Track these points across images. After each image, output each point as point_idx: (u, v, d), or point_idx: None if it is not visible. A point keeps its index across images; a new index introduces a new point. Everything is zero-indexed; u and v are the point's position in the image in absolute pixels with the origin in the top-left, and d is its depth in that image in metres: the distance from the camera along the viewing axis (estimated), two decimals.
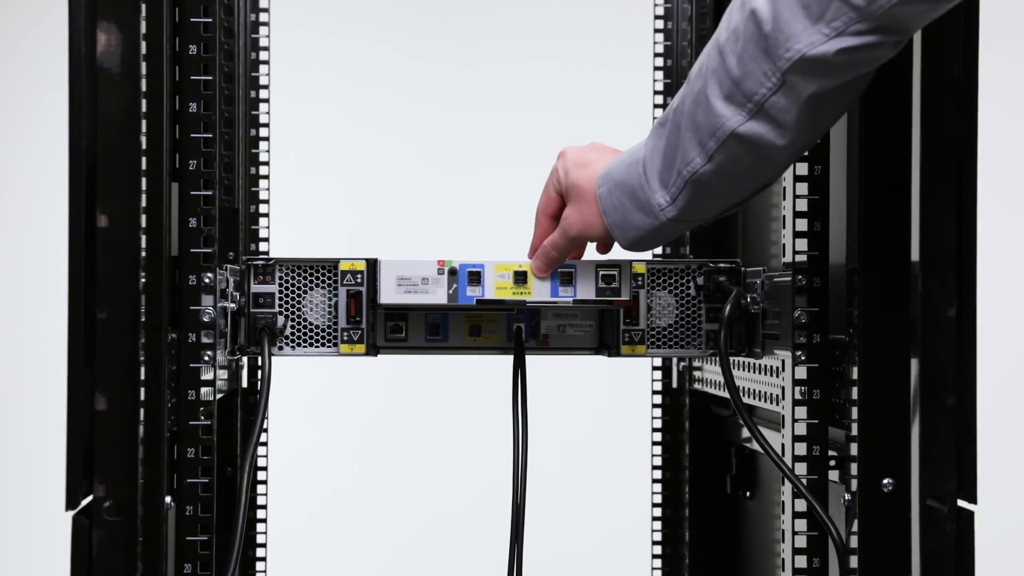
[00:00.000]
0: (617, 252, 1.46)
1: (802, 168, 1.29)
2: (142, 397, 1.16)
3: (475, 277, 1.34)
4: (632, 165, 1.20)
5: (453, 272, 1.34)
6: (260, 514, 1.65)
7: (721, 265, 1.43)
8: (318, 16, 3.24)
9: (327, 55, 3.24)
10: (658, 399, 1.78)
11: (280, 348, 1.40)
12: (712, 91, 1.09)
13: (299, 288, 1.41)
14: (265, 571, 1.67)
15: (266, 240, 1.66)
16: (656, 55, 1.78)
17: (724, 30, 1.09)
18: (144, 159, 1.16)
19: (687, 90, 1.13)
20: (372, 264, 1.41)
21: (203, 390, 1.25)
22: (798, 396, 1.29)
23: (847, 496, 1.23)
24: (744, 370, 1.51)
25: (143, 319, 1.16)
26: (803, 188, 1.29)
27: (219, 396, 1.34)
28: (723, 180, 1.13)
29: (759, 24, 1.04)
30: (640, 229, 1.20)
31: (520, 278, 1.34)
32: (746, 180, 1.14)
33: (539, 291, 1.34)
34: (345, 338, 1.40)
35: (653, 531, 1.78)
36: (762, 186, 1.16)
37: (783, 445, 1.32)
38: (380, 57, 3.26)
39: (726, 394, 1.53)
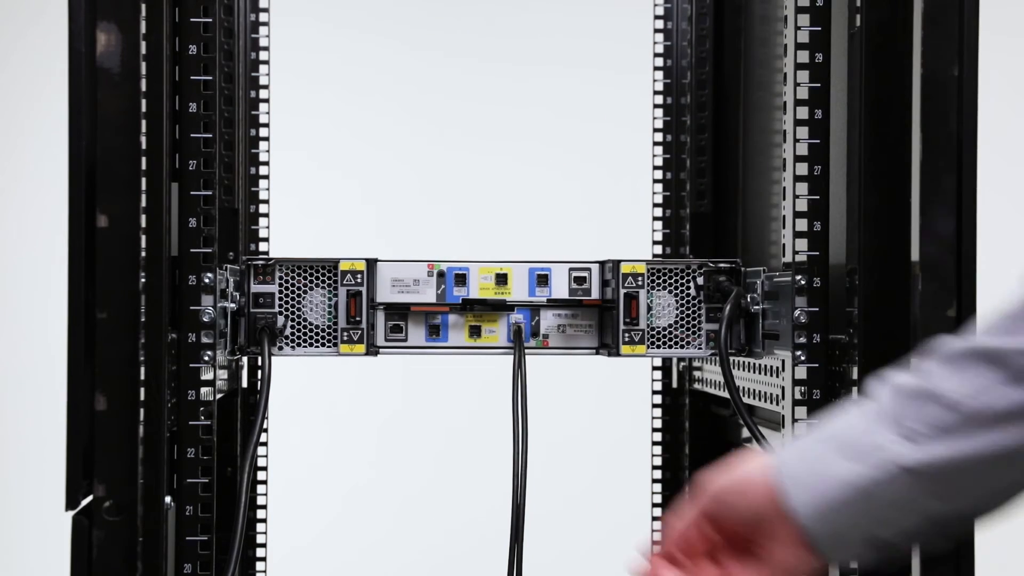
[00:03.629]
0: (593, 254, 1.48)
1: (802, 168, 1.29)
2: (142, 397, 1.16)
3: (461, 279, 1.44)
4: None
5: (441, 274, 1.44)
6: (260, 514, 1.65)
7: (721, 265, 1.43)
8: (318, 16, 3.24)
9: (327, 55, 3.24)
10: (658, 399, 1.78)
11: (280, 348, 1.40)
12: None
13: (299, 288, 1.41)
14: (265, 571, 1.67)
15: (266, 240, 1.66)
16: (656, 55, 1.78)
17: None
18: (144, 159, 1.16)
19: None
20: (372, 264, 1.41)
21: (203, 390, 1.25)
22: (798, 396, 1.29)
23: None
24: (744, 370, 1.51)
25: (143, 319, 1.16)
26: (803, 188, 1.29)
27: (219, 396, 1.34)
28: None
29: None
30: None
31: (501, 279, 1.44)
32: None
33: (518, 291, 1.44)
34: (345, 338, 1.40)
35: (653, 531, 1.78)
36: None
37: (783, 445, 1.31)
38: (380, 58, 3.25)
39: (726, 394, 1.53)
